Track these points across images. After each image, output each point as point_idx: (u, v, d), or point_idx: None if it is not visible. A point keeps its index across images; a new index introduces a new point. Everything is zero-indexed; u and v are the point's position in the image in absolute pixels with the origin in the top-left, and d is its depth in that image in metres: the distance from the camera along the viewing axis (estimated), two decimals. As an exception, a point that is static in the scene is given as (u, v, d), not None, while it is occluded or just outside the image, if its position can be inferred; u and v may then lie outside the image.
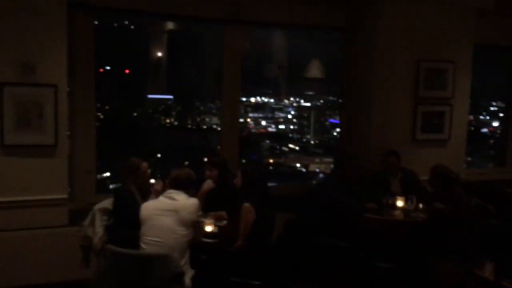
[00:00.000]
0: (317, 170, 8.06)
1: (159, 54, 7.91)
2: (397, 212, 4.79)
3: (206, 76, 8.18)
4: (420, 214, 4.72)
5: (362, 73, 5.83)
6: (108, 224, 4.27)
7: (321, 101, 8.59)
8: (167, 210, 3.55)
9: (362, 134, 5.82)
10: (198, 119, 7.91)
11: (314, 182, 7.35)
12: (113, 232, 4.12)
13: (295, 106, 8.56)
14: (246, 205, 3.83)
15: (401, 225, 4.68)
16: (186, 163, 7.16)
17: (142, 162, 4.19)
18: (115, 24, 7.51)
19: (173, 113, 7.92)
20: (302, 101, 8.62)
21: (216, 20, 5.54)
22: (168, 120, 7.88)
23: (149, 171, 4.33)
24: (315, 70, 7.02)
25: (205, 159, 5.58)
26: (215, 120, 7.59)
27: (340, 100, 6.30)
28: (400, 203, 4.83)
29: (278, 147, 8.26)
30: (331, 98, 8.43)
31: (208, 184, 4.50)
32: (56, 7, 4.38)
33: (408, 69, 5.71)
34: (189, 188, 3.76)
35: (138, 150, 6.99)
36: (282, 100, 8.59)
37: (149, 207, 3.61)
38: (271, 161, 7.79)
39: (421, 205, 4.83)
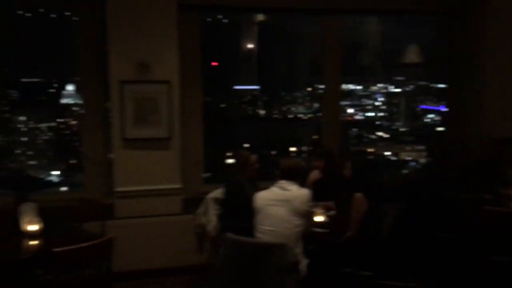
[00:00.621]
0: (409, 158, 7.78)
1: (249, 46, 8.07)
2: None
3: (295, 65, 8.20)
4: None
5: (472, 58, 5.52)
6: (220, 213, 4.47)
7: (412, 86, 8.27)
8: (280, 200, 3.64)
9: (471, 120, 5.53)
10: (284, 108, 7.95)
11: (406, 171, 7.11)
12: (224, 220, 4.30)
13: (383, 93, 8.31)
14: (359, 195, 3.81)
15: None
16: (273, 153, 7.23)
17: (251, 155, 4.32)
18: (208, 19, 7.79)
19: (259, 103, 8.04)
20: (392, 87, 8.35)
21: (313, 11, 5.54)
22: (257, 111, 7.96)
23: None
24: (412, 55, 6.79)
25: (310, 149, 5.60)
26: (301, 109, 7.60)
27: (444, 86, 6.02)
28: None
29: (366, 135, 8.07)
30: (421, 83, 8.07)
31: (314, 174, 4.53)
32: (168, 10, 4.64)
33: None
34: (299, 178, 3.82)
35: (229, 141, 7.14)
36: (369, 87, 8.39)
37: (262, 197, 3.72)
38: (371, 150, 7.64)
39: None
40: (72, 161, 6.42)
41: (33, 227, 3.71)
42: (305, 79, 7.81)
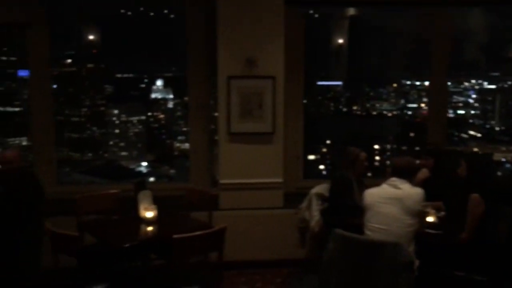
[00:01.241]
0: (503, 159, 7.24)
1: (339, 40, 7.93)
2: None
3: (383, 61, 7.93)
4: None
5: None
6: (322, 209, 4.46)
7: (509, 82, 7.69)
8: (392, 198, 3.56)
9: None
10: (368, 105, 7.72)
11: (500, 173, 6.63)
12: (328, 216, 4.28)
13: (477, 89, 7.80)
14: (475, 196, 3.63)
15: None
16: None
17: (361, 152, 4.26)
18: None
19: (342, 99, 7.87)
20: (485, 83, 7.81)
21: (414, 3, 5.36)
22: (340, 107, 7.79)
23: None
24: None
25: (417, 148, 5.43)
26: (385, 105, 7.36)
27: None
28: None
29: (456, 133, 7.62)
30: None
31: (423, 173, 4.37)
32: (276, 5, 4.69)
33: None
34: (411, 176, 3.71)
35: (312, 137, 7.05)
36: (462, 83, 7.91)
37: (373, 194, 3.65)
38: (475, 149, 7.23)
39: None
40: (158, 153, 6.71)
41: (150, 214, 3.94)
42: (394, 75, 7.57)
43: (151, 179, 6.45)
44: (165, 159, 6.66)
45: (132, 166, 6.45)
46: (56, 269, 3.55)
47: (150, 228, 3.89)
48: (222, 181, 4.90)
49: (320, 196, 4.49)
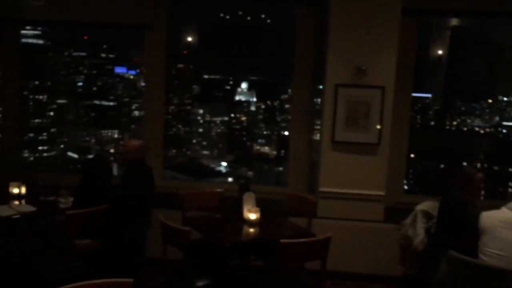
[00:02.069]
0: None
1: (438, 51, 7.55)
2: None
3: (481, 74, 7.41)
4: None
5: None
6: (427, 227, 4.28)
7: None
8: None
9: None
10: (458, 120, 7.23)
11: None
12: (438, 236, 4.08)
13: None
14: None
15: None
16: (441, 166, 6.63)
17: (477, 173, 4.03)
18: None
19: (430, 112, 7.43)
20: None
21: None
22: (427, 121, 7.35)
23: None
24: None
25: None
26: (477, 122, 6.92)
27: None
28: None
29: None
30: None
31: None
32: (392, 14, 4.58)
33: None
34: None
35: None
36: None
37: (492, 218, 3.43)
38: None
39: None
40: (238, 155, 6.77)
41: (253, 216, 4.00)
42: (490, 90, 7.08)
43: (229, 179, 6.54)
44: (244, 161, 6.71)
45: (212, 165, 6.57)
46: (165, 259, 3.71)
47: (252, 230, 3.94)
48: (321, 189, 4.86)
49: (426, 213, 4.32)
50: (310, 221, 4.43)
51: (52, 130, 6.45)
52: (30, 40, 5.65)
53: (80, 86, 6.67)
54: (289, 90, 6.57)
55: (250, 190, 4.16)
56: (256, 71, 6.83)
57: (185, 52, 5.38)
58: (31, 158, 5.63)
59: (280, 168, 6.60)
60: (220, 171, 6.58)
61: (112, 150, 6.70)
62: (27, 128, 5.70)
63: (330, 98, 4.74)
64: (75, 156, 6.65)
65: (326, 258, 3.52)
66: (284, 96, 6.72)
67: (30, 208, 4.05)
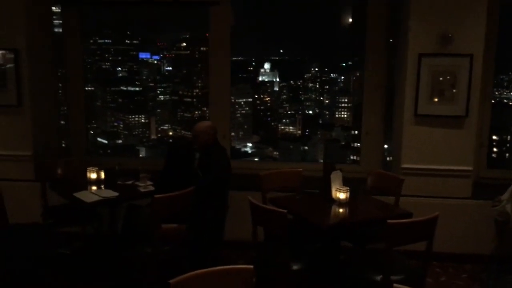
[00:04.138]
0: None
1: None
2: None
3: None
4: None
5: None
6: (526, 202, 4.02)
7: None
8: None
9: None
10: None
11: None
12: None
13: None
14: None
15: None
16: None
17: None
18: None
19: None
20: None
21: None
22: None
23: None
24: None
25: None
26: None
27: None
28: None
29: None
30: None
31: None
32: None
33: None
34: None
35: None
36: None
37: None
38: None
39: None
40: (263, 135, 6.65)
41: (342, 195, 3.81)
42: None
43: (256, 159, 6.45)
44: (270, 141, 6.63)
45: (238, 146, 6.49)
46: (256, 242, 3.56)
47: (343, 210, 3.75)
48: (404, 166, 4.62)
49: (521, 187, 4.05)
50: (397, 200, 4.20)
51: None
52: (56, 30, 5.58)
53: (106, 73, 6.68)
54: (312, 69, 6.51)
55: (335, 169, 3.96)
56: (278, 51, 6.70)
57: (206, 34, 5.24)
58: (63, 145, 5.66)
59: (306, 147, 6.48)
60: (246, 152, 6.51)
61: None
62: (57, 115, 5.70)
63: (412, 69, 4.47)
64: (105, 141, 6.68)
65: (432, 239, 3.30)
66: (307, 75, 6.65)
67: (113, 193, 3.95)
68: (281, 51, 6.72)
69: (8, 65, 4.87)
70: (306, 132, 6.60)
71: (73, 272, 4.17)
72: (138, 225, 4.06)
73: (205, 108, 5.86)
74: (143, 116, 6.75)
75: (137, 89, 6.76)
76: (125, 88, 6.73)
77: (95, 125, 6.59)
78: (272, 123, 6.83)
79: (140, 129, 6.78)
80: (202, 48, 6.14)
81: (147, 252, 3.67)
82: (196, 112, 6.51)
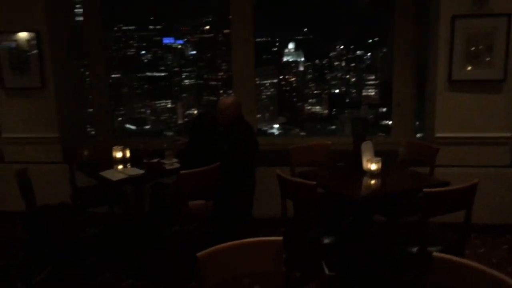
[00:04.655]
0: None
1: None
2: None
3: None
4: None
5: None
6: None
7: None
8: None
9: None
10: None
11: None
12: None
13: None
14: None
15: None
16: None
17: None
18: None
19: None
20: None
21: None
22: None
23: None
24: None
25: None
26: None
27: None
28: None
29: None
30: None
31: None
32: None
33: None
34: None
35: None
36: None
37: None
38: None
39: None
40: (289, 116, 6.58)
41: (373, 166, 3.65)
42: None
43: None
44: (296, 122, 6.55)
45: (264, 128, 6.39)
46: (286, 217, 3.46)
47: (374, 181, 3.60)
48: (438, 135, 4.42)
49: None
50: (432, 170, 4.01)
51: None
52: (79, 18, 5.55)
53: (132, 59, 6.68)
54: (338, 48, 6.35)
55: (366, 140, 3.80)
56: (302, 30, 6.54)
57: (229, 16, 5.13)
58: (92, 132, 5.67)
59: (333, 127, 6.40)
60: (272, 133, 6.41)
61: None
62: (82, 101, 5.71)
63: (445, 33, 4.23)
64: (133, 127, 6.68)
65: (471, 208, 3.13)
66: (332, 53, 6.47)
67: (139, 171, 3.90)
68: (305, 29, 6.56)
69: (31, 48, 4.85)
70: (333, 112, 6.47)
71: (101, 252, 4.17)
72: (164, 203, 4.01)
73: (230, 91, 5.78)
74: (169, 101, 6.73)
75: (162, 74, 6.72)
76: (150, 74, 6.71)
77: (123, 112, 6.60)
78: (298, 104, 6.73)
79: (167, 114, 6.78)
80: (225, 31, 6.05)
81: (174, 230, 3.62)
82: (224, 95, 6.48)
